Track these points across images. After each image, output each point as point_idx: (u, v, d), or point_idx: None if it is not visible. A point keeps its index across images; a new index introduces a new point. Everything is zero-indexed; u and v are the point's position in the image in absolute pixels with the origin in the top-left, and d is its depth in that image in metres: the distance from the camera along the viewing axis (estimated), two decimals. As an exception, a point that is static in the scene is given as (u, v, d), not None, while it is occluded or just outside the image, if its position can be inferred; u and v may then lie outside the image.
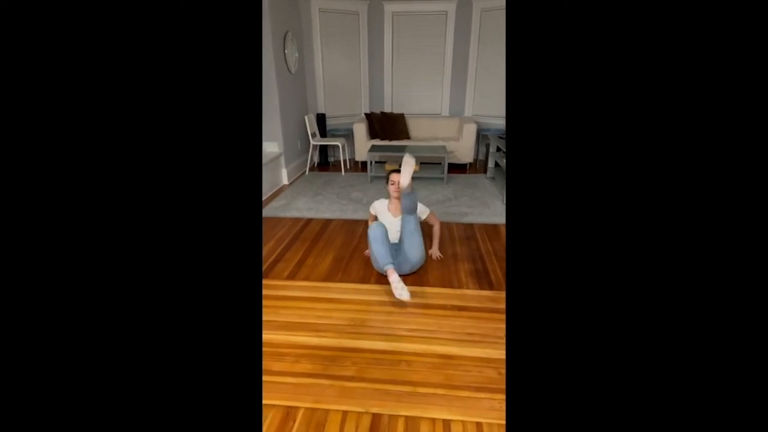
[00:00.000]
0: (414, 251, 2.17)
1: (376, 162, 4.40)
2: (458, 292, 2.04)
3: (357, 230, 2.85)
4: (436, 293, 2.03)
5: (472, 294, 2.02)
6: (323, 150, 4.90)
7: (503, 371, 1.47)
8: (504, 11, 4.35)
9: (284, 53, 3.88)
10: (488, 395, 1.38)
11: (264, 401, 1.34)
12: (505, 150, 3.58)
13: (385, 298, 1.98)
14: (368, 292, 2.05)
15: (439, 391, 1.39)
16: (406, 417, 1.29)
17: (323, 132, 4.78)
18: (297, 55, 4.24)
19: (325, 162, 4.95)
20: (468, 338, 1.68)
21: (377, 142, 4.59)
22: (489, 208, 3.33)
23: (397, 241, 2.30)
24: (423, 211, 2.35)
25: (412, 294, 2.01)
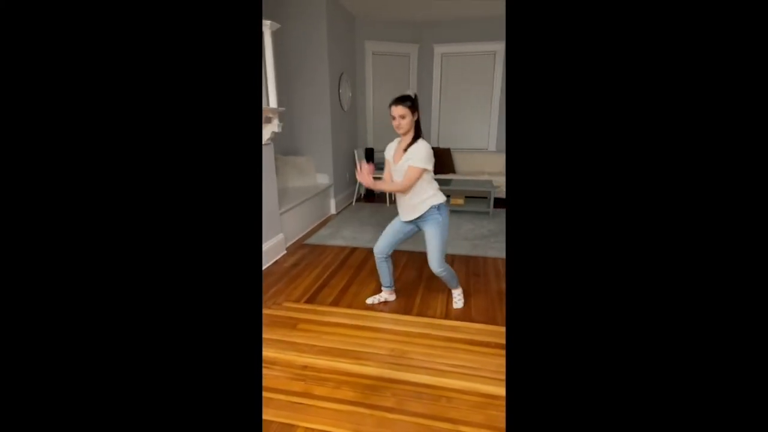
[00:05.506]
0: (432, 254, 1.97)
1: (421, 195, 4.46)
2: (503, 329, 1.98)
3: (400, 261, 2.87)
4: (479, 329, 1.99)
5: (518, 333, 1.95)
6: (370, 182, 5.06)
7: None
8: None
9: (338, 92, 4.16)
10: (534, 442, 1.30)
11: (305, 424, 1.37)
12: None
13: (427, 331, 1.97)
14: (410, 323, 2.05)
15: (482, 432, 1.34)
16: (446, 456, 1.26)
17: (371, 165, 4.96)
18: (350, 94, 4.52)
19: (371, 194, 5.09)
20: (513, 379, 1.61)
21: (423, 175, 4.67)
22: (537, 244, 3.23)
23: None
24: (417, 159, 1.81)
25: (455, 329, 1.98)
